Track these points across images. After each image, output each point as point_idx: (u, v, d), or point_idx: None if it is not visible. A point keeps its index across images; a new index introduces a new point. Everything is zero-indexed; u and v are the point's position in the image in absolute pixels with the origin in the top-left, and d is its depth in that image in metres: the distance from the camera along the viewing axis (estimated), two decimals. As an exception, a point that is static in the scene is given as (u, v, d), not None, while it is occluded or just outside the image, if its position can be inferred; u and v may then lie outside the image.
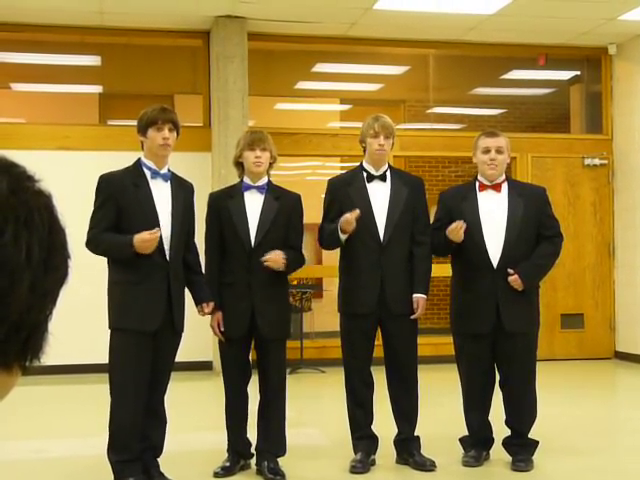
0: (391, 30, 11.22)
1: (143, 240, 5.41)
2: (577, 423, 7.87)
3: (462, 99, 14.75)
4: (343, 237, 6.16)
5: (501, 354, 6.28)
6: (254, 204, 6.08)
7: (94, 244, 5.60)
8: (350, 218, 6.02)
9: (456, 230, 6.08)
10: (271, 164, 6.16)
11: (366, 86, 14.06)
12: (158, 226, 5.59)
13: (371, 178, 6.34)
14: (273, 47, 11.98)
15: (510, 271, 6.15)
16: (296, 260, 6.16)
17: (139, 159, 5.79)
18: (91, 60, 12.44)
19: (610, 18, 10.74)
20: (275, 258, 5.91)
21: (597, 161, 12.12)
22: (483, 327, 6.20)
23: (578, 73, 12.97)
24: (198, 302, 5.97)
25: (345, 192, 6.31)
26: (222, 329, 6.06)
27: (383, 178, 6.35)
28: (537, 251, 6.27)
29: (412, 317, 6.27)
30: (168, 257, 5.65)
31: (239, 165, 6.18)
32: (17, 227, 0.95)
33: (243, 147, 6.10)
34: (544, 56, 12.38)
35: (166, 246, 5.65)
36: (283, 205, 6.11)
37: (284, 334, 6.19)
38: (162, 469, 5.81)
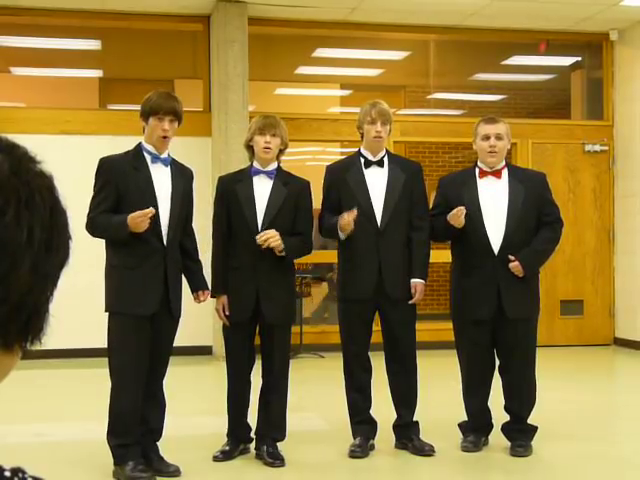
0: (392, 15, 11.19)
1: (133, 218, 5.41)
2: (576, 409, 7.88)
3: (462, 85, 14.74)
4: (342, 235, 6.18)
5: (501, 340, 6.29)
6: (262, 189, 6.07)
7: (91, 227, 5.61)
8: (348, 220, 6.03)
9: (456, 215, 6.08)
10: (282, 150, 6.15)
11: (366, 71, 14.04)
12: (157, 211, 5.60)
13: (368, 164, 6.34)
14: (273, 32, 11.95)
15: (511, 258, 6.15)
16: (299, 246, 6.14)
17: (140, 143, 5.80)
18: (91, 44, 12.42)
19: (611, 4, 10.72)
20: (268, 235, 5.89)
21: (598, 147, 12.12)
22: (484, 313, 6.21)
23: (579, 59, 12.96)
24: (194, 290, 5.98)
25: (342, 178, 6.32)
26: (227, 313, 6.07)
27: (380, 164, 6.35)
28: (537, 237, 6.26)
29: (410, 302, 6.28)
30: (165, 242, 5.67)
31: (250, 148, 6.17)
32: (19, 208, 0.95)
33: (254, 131, 6.08)
34: (545, 42, 12.37)
35: (164, 230, 5.66)
36: (291, 191, 6.09)
37: (289, 319, 6.18)
38: (161, 453, 5.82)
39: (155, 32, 12.02)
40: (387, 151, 6.48)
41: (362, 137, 6.40)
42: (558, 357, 10.91)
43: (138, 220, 5.41)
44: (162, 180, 5.74)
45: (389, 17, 11.28)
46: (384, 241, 6.22)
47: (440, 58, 13.14)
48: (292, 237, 6.00)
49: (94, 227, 5.61)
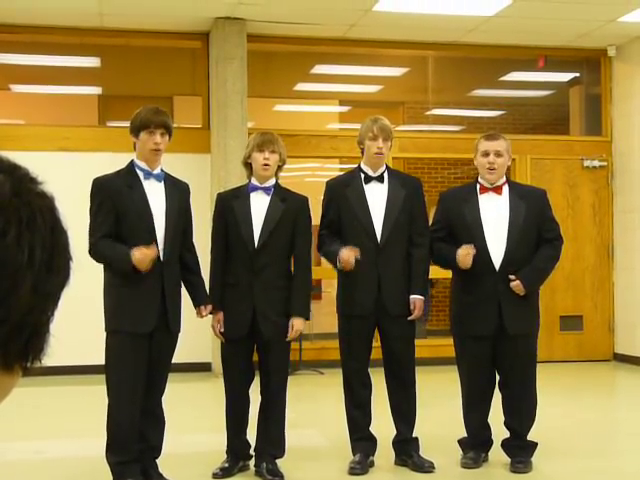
0: (390, 32, 11.22)
1: (140, 261, 5.43)
2: (576, 425, 7.87)
3: (461, 101, 14.76)
4: (339, 267, 6.20)
5: (502, 356, 6.29)
6: (260, 205, 6.06)
7: (95, 253, 5.59)
8: (349, 260, 6.08)
9: (464, 256, 6.09)
10: (280, 167, 6.15)
11: (365, 88, 14.06)
12: (153, 227, 5.61)
13: (369, 179, 6.34)
14: (272, 49, 11.98)
15: (512, 277, 6.15)
16: (306, 289, 6.17)
17: (132, 160, 5.80)
18: (90, 61, 12.44)
19: (609, 20, 10.74)
20: (294, 335, 6.04)
21: (596, 163, 12.12)
22: (485, 329, 6.21)
23: (577, 75, 12.98)
24: (196, 305, 5.97)
25: (343, 193, 6.32)
26: (222, 330, 6.05)
27: (381, 179, 6.35)
28: (538, 255, 6.26)
29: (409, 318, 6.28)
30: (162, 257, 5.65)
31: (248, 165, 6.17)
32: (20, 229, 0.95)
33: (252, 148, 6.08)
34: (543, 58, 12.39)
35: (160, 246, 5.64)
36: (289, 207, 6.08)
37: (286, 336, 6.17)
38: (161, 470, 5.81)
39: (154, 49, 12.04)
40: (387, 167, 6.49)
41: (362, 153, 6.41)
42: (558, 373, 10.89)
43: (143, 257, 5.43)
44: (156, 196, 5.73)
45: (387, 34, 11.30)
46: (384, 257, 6.22)
47: (439, 74, 13.17)
48: (295, 287, 6.04)
49: (97, 254, 5.60)
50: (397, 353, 6.31)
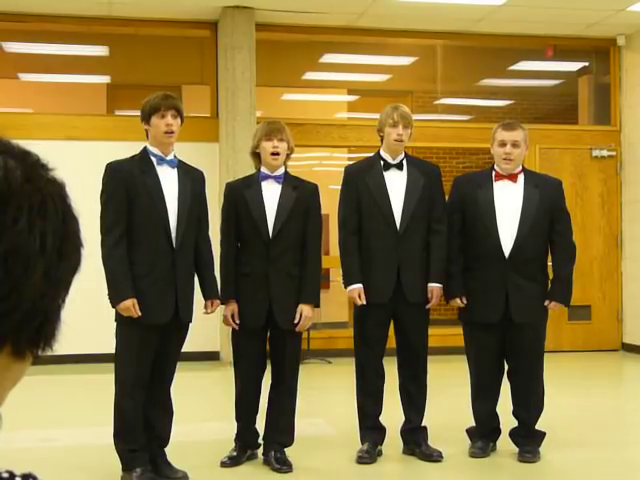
0: (399, 21, 11.20)
1: (128, 311, 5.47)
2: (584, 415, 7.87)
3: (470, 90, 14.72)
4: (347, 287, 6.27)
5: (510, 345, 6.28)
6: (272, 194, 6.04)
7: (105, 262, 5.55)
8: (354, 301, 6.21)
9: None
10: (288, 155, 6.13)
11: (374, 77, 14.03)
12: (165, 213, 5.58)
13: (388, 166, 6.32)
14: (281, 38, 11.97)
15: (545, 303, 6.18)
16: (317, 279, 6.15)
17: (145, 147, 5.77)
18: (99, 50, 12.45)
19: (619, 9, 10.71)
20: (304, 322, 6.00)
21: (605, 152, 12.10)
22: (492, 317, 6.20)
23: (586, 64, 12.94)
24: (205, 298, 5.94)
25: (362, 180, 6.29)
26: (237, 320, 6.01)
27: (400, 166, 6.33)
28: (555, 263, 6.26)
29: (427, 307, 6.28)
30: (175, 244, 5.62)
31: (256, 155, 6.15)
32: (31, 215, 0.95)
33: (260, 137, 6.06)
34: (552, 47, 12.36)
35: (173, 233, 5.62)
36: (301, 195, 6.06)
37: (297, 325, 6.14)
38: (169, 459, 5.81)
39: (162, 38, 12.04)
40: (406, 154, 6.47)
41: (382, 140, 6.38)
42: (566, 362, 10.89)
43: (127, 314, 5.49)
44: (169, 182, 5.70)
45: (396, 23, 11.28)
46: (403, 244, 6.21)
47: (447, 63, 13.14)
48: (305, 274, 6.03)
49: (105, 264, 5.56)
50: (411, 341, 6.31)
